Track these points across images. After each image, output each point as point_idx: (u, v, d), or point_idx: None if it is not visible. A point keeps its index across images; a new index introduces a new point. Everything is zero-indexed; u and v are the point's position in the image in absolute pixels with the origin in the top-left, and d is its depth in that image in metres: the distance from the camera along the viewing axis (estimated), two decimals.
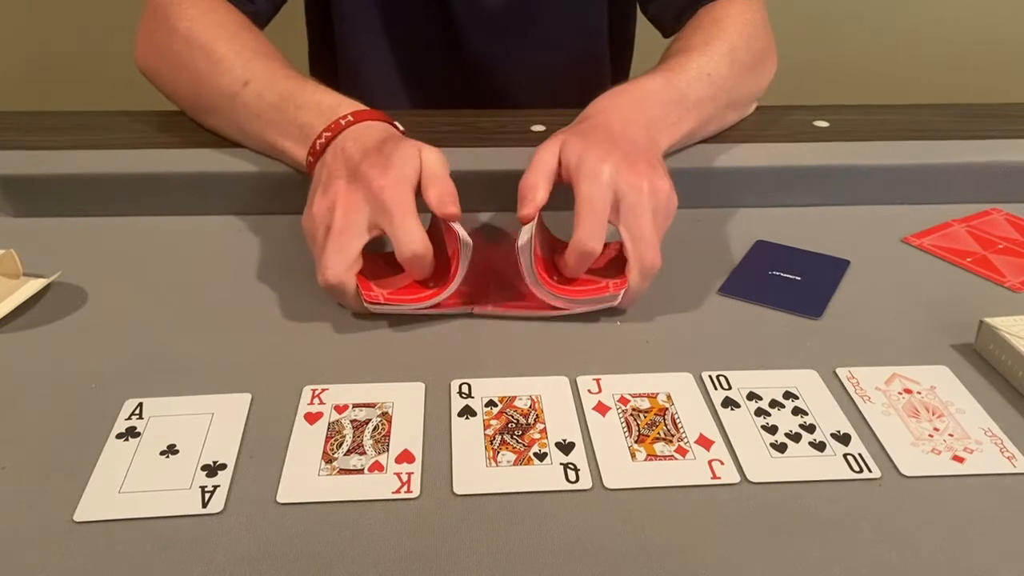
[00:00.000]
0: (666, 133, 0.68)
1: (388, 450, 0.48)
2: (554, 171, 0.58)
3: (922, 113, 0.86)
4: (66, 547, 0.42)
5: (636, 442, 0.49)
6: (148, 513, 0.44)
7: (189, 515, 0.44)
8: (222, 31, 0.75)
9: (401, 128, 0.66)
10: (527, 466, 0.47)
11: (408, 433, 0.49)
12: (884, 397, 0.53)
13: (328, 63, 1.00)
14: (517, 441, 0.49)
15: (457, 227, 0.56)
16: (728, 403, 0.52)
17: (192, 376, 0.54)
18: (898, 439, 0.49)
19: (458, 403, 0.52)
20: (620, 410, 0.51)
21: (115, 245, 0.69)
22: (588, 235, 0.55)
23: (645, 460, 0.48)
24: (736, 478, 0.47)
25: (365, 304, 0.57)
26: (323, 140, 0.63)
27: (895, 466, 0.48)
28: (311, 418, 0.50)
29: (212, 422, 0.50)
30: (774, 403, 0.52)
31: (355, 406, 0.51)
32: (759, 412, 0.51)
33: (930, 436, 0.50)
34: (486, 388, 0.53)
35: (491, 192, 0.70)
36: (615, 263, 0.58)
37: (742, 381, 0.54)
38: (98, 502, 0.44)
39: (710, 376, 0.54)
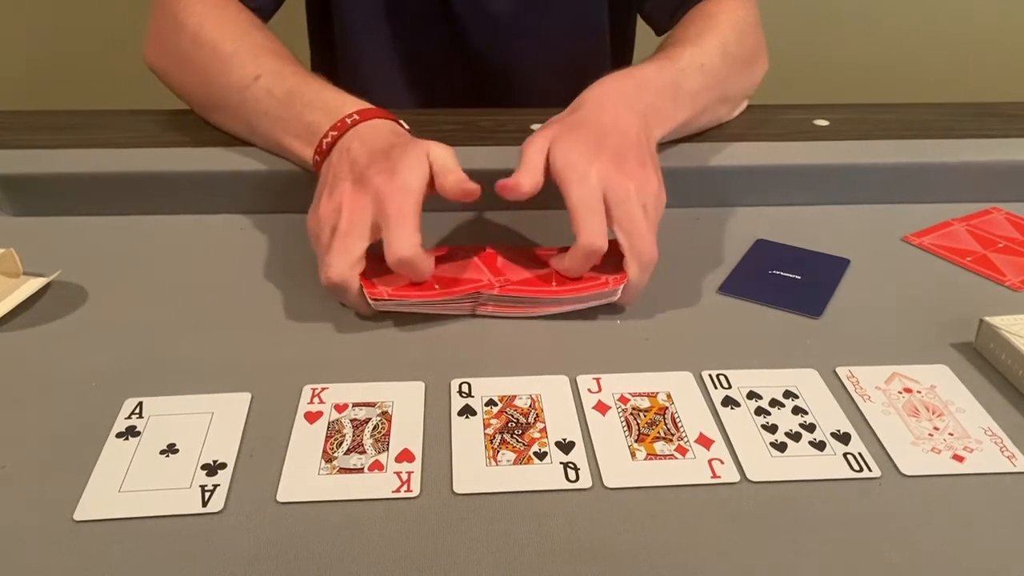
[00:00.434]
0: (660, 122, 0.68)
1: (388, 449, 0.48)
2: (541, 170, 0.58)
3: (922, 112, 0.86)
4: (66, 546, 0.42)
5: (636, 441, 0.49)
6: (148, 512, 0.44)
7: (189, 514, 0.44)
8: (231, 28, 0.75)
9: (407, 127, 0.66)
10: (527, 465, 0.47)
11: (408, 432, 0.49)
12: (884, 396, 0.53)
13: (328, 62, 1.00)
14: (517, 440, 0.49)
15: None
16: (728, 402, 0.52)
17: (192, 375, 0.54)
18: (898, 438, 0.49)
19: (458, 402, 0.52)
20: (620, 409, 0.51)
21: (115, 244, 0.69)
22: (592, 233, 0.55)
23: (645, 459, 0.48)
24: (736, 477, 0.47)
25: (370, 301, 0.57)
26: (329, 140, 0.63)
27: (895, 465, 0.48)
28: (311, 417, 0.50)
29: (212, 421, 0.50)
30: (774, 402, 0.52)
31: (355, 405, 0.51)
32: (759, 411, 0.51)
33: (930, 435, 0.50)
34: (486, 387, 0.53)
35: (492, 190, 0.69)
36: (611, 260, 0.58)
37: (742, 380, 0.54)
38: (98, 501, 0.44)
39: (710, 375, 0.54)
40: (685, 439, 0.49)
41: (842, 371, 0.55)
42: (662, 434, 0.50)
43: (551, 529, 0.43)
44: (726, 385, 0.53)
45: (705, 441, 0.49)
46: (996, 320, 0.56)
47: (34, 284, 0.61)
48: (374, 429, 0.50)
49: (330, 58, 0.98)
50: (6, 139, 0.77)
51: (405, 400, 0.52)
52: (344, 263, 0.55)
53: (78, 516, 0.44)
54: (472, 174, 0.58)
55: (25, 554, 0.42)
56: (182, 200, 0.73)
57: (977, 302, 0.62)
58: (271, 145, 0.73)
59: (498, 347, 0.57)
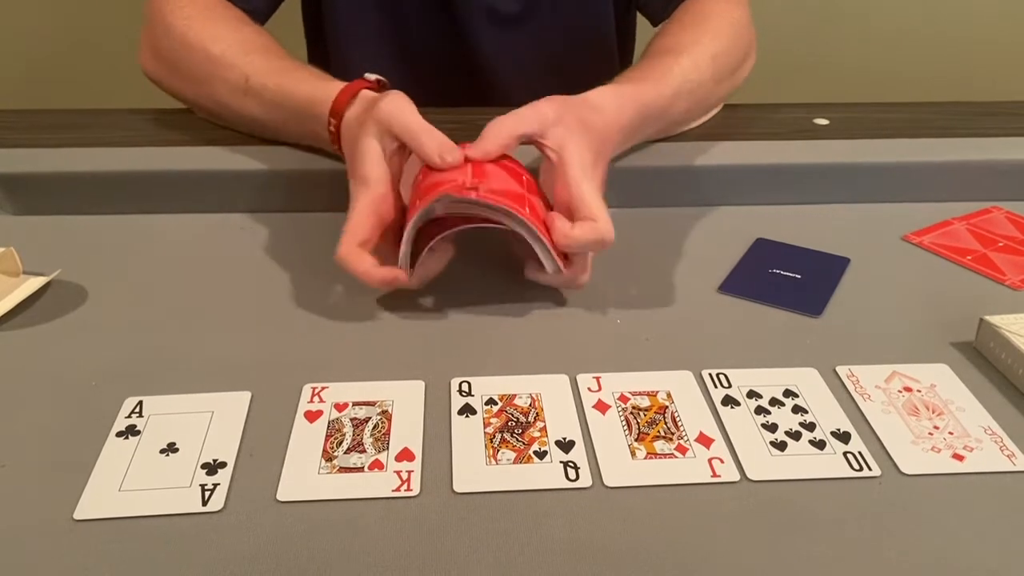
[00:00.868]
0: (631, 144, 0.72)
1: (388, 448, 0.48)
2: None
3: (922, 111, 0.86)
4: (66, 545, 0.42)
5: (636, 440, 0.49)
6: (148, 511, 0.44)
7: (189, 513, 0.44)
8: (219, 29, 0.76)
9: (373, 80, 0.67)
10: (527, 464, 0.47)
11: (408, 431, 0.49)
12: (884, 395, 0.53)
13: (323, 63, 1.00)
14: (517, 439, 0.49)
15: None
16: (728, 401, 0.52)
17: (192, 374, 0.54)
18: (898, 437, 0.49)
19: (458, 401, 0.52)
20: (620, 408, 0.51)
21: (115, 243, 0.69)
22: (610, 225, 0.57)
23: (645, 458, 0.48)
24: (736, 476, 0.47)
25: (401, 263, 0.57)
26: (336, 148, 0.67)
27: (895, 464, 0.48)
28: (311, 416, 0.50)
29: (212, 420, 0.50)
30: (774, 401, 0.52)
31: (355, 404, 0.51)
32: (759, 410, 0.51)
33: (930, 434, 0.50)
34: (486, 386, 0.53)
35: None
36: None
37: (742, 379, 0.54)
38: (98, 500, 0.44)
39: (710, 374, 0.54)
40: (685, 438, 0.49)
41: (842, 370, 0.55)
42: (662, 433, 0.50)
43: (551, 528, 0.43)
44: (726, 384, 0.53)
45: (705, 440, 0.49)
46: (996, 319, 0.56)
47: (34, 283, 0.61)
48: (374, 428, 0.50)
49: (324, 58, 0.98)
50: (6, 138, 0.77)
51: (405, 399, 0.52)
52: (341, 246, 0.57)
53: (78, 515, 0.44)
54: None
55: (25, 553, 0.42)
56: (182, 199, 0.73)
57: (977, 301, 0.62)
58: (284, 140, 0.75)
59: (498, 346, 0.57)
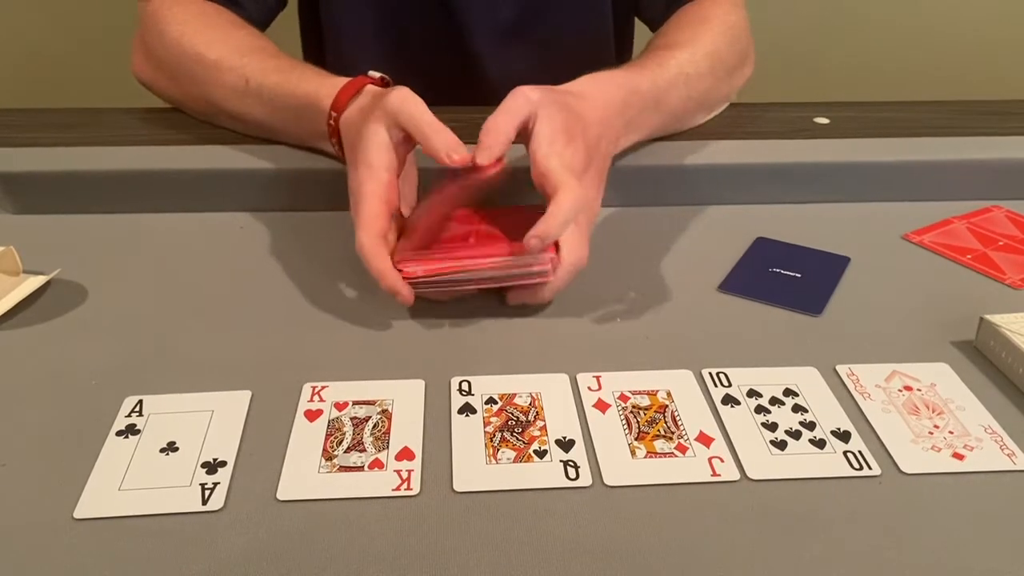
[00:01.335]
0: (633, 136, 0.71)
1: (388, 447, 0.48)
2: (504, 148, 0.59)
3: (922, 110, 0.86)
4: (66, 544, 0.42)
5: (636, 439, 0.49)
6: (148, 510, 0.44)
7: (189, 512, 0.44)
8: (213, 33, 0.76)
9: (377, 77, 0.67)
10: (527, 463, 0.47)
11: (408, 430, 0.49)
12: (884, 394, 0.53)
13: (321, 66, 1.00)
14: (517, 438, 0.49)
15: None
16: (728, 400, 0.52)
17: (192, 373, 0.54)
18: (898, 436, 0.49)
19: (458, 400, 0.52)
20: (620, 407, 0.51)
21: (115, 242, 0.69)
22: (581, 248, 0.58)
23: (645, 457, 0.48)
24: (736, 475, 0.47)
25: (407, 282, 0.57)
26: (333, 142, 0.67)
27: (895, 463, 0.48)
28: (311, 415, 0.50)
29: (212, 419, 0.50)
30: (774, 400, 0.52)
31: (355, 403, 0.51)
32: (759, 409, 0.51)
33: (930, 433, 0.50)
34: (486, 385, 0.53)
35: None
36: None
37: (742, 378, 0.54)
38: (98, 499, 0.44)
39: (710, 373, 0.54)
40: (685, 437, 0.49)
41: (842, 369, 0.55)
42: (662, 432, 0.50)
43: (551, 527, 0.43)
44: (726, 383, 0.53)
45: (705, 439, 0.49)
46: (996, 318, 0.56)
47: (34, 282, 0.61)
48: (374, 427, 0.50)
49: (320, 62, 0.98)
50: (6, 137, 0.77)
51: (405, 398, 0.52)
52: (364, 236, 0.56)
53: (78, 514, 0.44)
54: None
55: (25, 552, 0.42)
56: (182, 198, 0.73)
57: (977, 300, 0.62)
58: (283, 140, 0.75)
59: (498, 345, 0.57)
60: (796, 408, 0.51)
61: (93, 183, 0.72)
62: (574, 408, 0.51)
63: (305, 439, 0.49)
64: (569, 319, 0.60)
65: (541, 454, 0.48)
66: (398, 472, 0.46)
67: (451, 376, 0.54)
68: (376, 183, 0.57)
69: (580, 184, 0.56)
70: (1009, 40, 1.90)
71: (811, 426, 0.50)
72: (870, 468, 0.47)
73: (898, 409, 0.52)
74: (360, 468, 0.47)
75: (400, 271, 0.56)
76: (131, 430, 0.49)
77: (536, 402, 0.52)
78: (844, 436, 0.49)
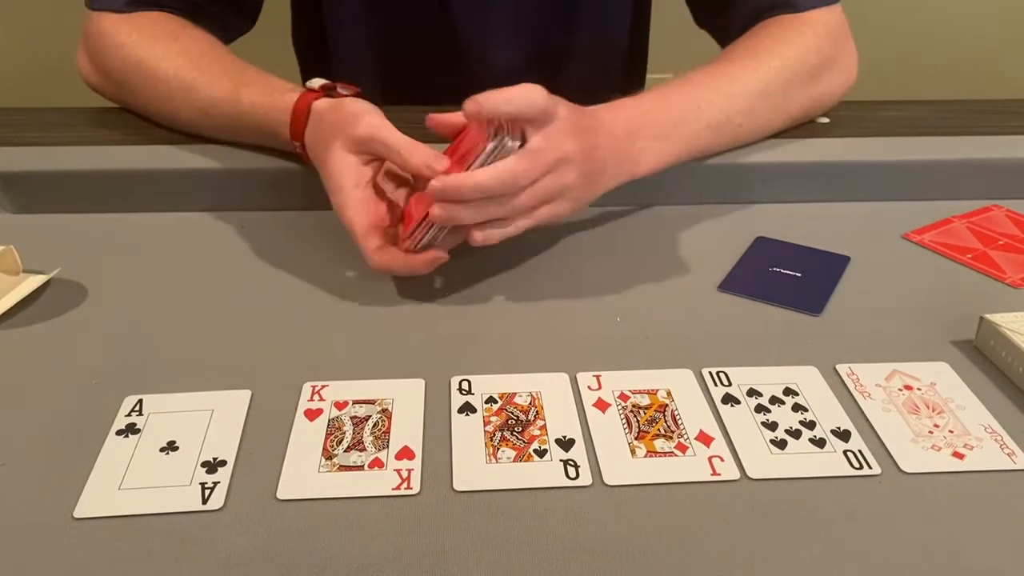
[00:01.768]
0: (666, 161, 0.67)
1: (388, 447, 0.48)
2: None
3: (923, 109, 0.85)
4: (66, 543, 0.42)
5: (636, 439, 0.49)
6: (148, 510, 0.44)
7: (189, 511, 0.44)
8: (163, 45, 0.75)
9: (318, 87, 0.66)
10: (527, 463, 0.47)
11: (408, 430, 0.49)
12: (884, 394, 0.53)
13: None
14: (517, 438, 0.49)
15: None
16: (728, 399, 0.52)
17: (192, 372, 0.54)
18: (898, 436, 0.49)
19: (458, 400, 0.52)
20: (620, 406, 0.51)
21: (115, 241, 0.69)
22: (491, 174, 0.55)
23: (645, 456, 0.48)
24: (736, 475, 0.47)
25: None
26: (300, 150, 0.68)
27: (895, 463, 0.48)
28: (311, 415, 0.50)
29: (212, 419, 0.50)
30: (774, 399, 0.52)
31: (355, 402, 0.51)
32: (759, 408, 0.51)
33: (930, 433, 0.50)
34: (486, 385, 0.53)
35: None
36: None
37: (742, 377, 0.54)
38: (98, 499, 0.44)
39: (710, 372, 0.54)
40: (685, 436, 0.49)
41: (842, 368, 0.55)
42: (662, 431, 0.50)
43: (551, 526, 0.43)
44: (726, 382, 0.53)
45: (705, 438, 0.49)
46: (996, 317, 0.56)
47: (34, 281, 0.61)
48: (374, 426, 0.50)
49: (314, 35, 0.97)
50: (6, 136, 0.77)
51: (405, 397, 0.52)
52: (373, 254, 0.58)
53: (78, 513, 0.44)
54: None
55: (25, 551, 0.42)
56: (182, 197, 0.73)
57: (977, 299, 0.62)
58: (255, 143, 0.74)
59: (498, 344, 0.57)
60: (796, 407, 0.51)
61: (93, 182, 0.71)
62: (574, 407, 0.51)
63: (305, 438, 0.49)
64: (569, 319, 0.60)
65: (541, 453, 0.48)
66: (398, 471, 0.46)
67: (451, 375, 0.54)
68: (353, 204, 0.59)
69: (557, 109, 0.55)
70: (1009, 40, 1.90)
71: (811, 425, 0.50)
72: (870, 467, 0.47)
73: (898, 408, 0.52)
74: (360, 467, 0.47)
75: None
76: (131, 429, 0.49)
77: (536, 401, 0.52)
78: (844, 435, 0.49)
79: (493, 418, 0.50)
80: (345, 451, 0.48)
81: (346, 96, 0.65)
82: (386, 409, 0.51)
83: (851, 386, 0.53)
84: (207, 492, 0.45)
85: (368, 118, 0.60)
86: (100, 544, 0.42)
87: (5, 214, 0.72)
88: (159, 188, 0.72)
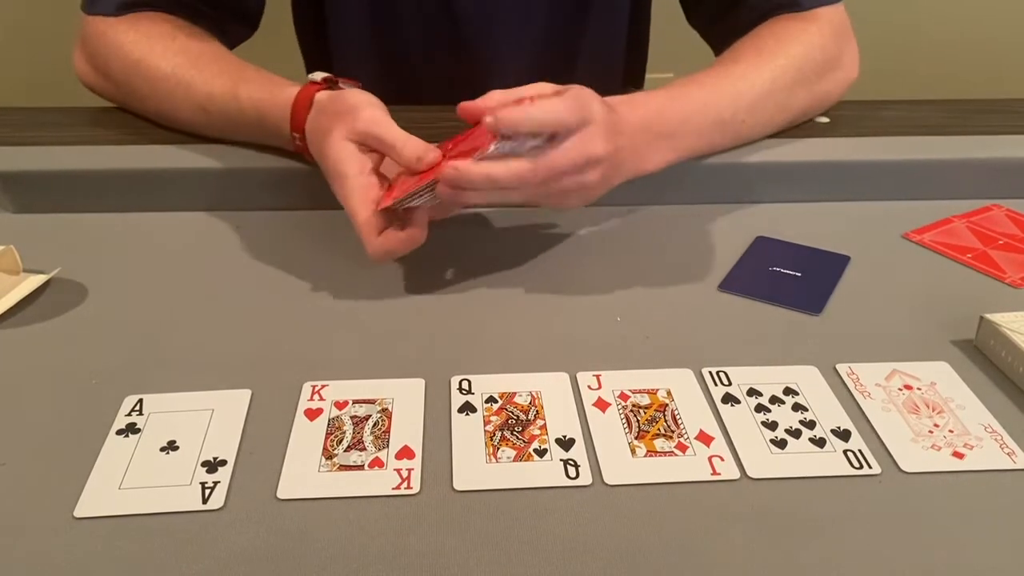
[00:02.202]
0: (671, 158, 0.68)
1: (388, 446, 0.48)
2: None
3: (923, 109, 0.85)
4: (66, 543, 0.42)
5: (636, 438, 0.49)
6: (148, 509, 0.44)
7: (189, 511, 0.44)
8: (162, 45, 0.75)
9: (320, 80, 0.67)
10: (527, 462, 0.47)
11: (408, 429, 0.49)
12: (884, 393, 0.53)
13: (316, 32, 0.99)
14: (517, 437, 0.49)
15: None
16: (728, 399, 0.52)
17: (192, 372, 0.54)
18: (898, 435, 0.49)
19: (458, 399, 0.52)
20: (620, 406, 0.51)
21: (115, 241, 0.69)
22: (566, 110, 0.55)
23: (645, 456, 0.48)
24: (736, 474, 0.47)
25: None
26: (308, 158, 0.68)
27: (895, 462, 0.48)
28: (311, 414, 0.50)
29: (212, 418, 0.50)
30: (774, 399, 0.52)
31: (355, 402, 0.51)
32: (759, 408, 0.51)
33: (930, 432, 0.50)
34: (486, 384, 0.53)
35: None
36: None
37: (742, 377, 0.54)
38: (98, 498, 0.44)
39: (710, 372, 0.54)
40: (685, 436, 0.49)
41: (842, 368, 0.55)
42: (662, 431, 0.50)
43: (551, 526, 0.43)
44: (726, 382, 0.53)
45: (705, 438, 0.49)
46: (996, 317, 0.56)
47: (34, 281, 0.61)
48: (374, 426, 0.50)
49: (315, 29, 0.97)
50: (7, 136, 0.77)
51: (405, 397, 0.52)
52: (374, 242, 0.58)
53: (78, 513, 0.44)
54: None
55: (26, 551, 0.42)
56: (182, 197, 0.73)
57: (977, 299, 0.62)
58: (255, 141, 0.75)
59: (498, 344, 0.57)
60: (796, 407, 0.51)
61: (93, 182, 0.71)
62: (574, 407, 0.51)
63: (305, 438, 0.49)
64: (569, 318, 0.60)
65: (541, 453, 0.48)
66: (398, 471, 0.46)
67: (451, 375, 0.54)
68: (356, 192, 0.58)
69: (575, 114, 0.55)
70: (1009, 39, 1.90)
71: (811, 425, 0.50)
72: (870, 467, 0.47)
73: (898, 408, 0.52)
74: (360, 467, 0.47)
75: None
76: (131, 429, 0.49)
77: (536, 401, 0.52)
78: (844, 435, 0.49)
79: (493, 418, 0.50)
80: (345, 451, 0.48)
81: (347, 89, 0.65)
82: (386, 409, 0.51)
83: (851, 386, 0.53)
84: (207, 492, 0.45)
85: (368, 111, 0.60)
86: (100, 544, 0.42)
87: (5, 214, 0.72)
88: (159, 188, 0.72)
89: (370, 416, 0.50)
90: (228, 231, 0.71)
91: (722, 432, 0.50)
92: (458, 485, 0.46)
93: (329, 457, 0.47)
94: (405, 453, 0.48)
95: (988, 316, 0.56)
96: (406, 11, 0.90)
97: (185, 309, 0.60)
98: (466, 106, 0.59)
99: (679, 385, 0.53)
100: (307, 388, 0.52)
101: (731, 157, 0.75)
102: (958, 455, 0.48)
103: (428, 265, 0.65)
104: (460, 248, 0.67)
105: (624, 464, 0.47)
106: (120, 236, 0.69)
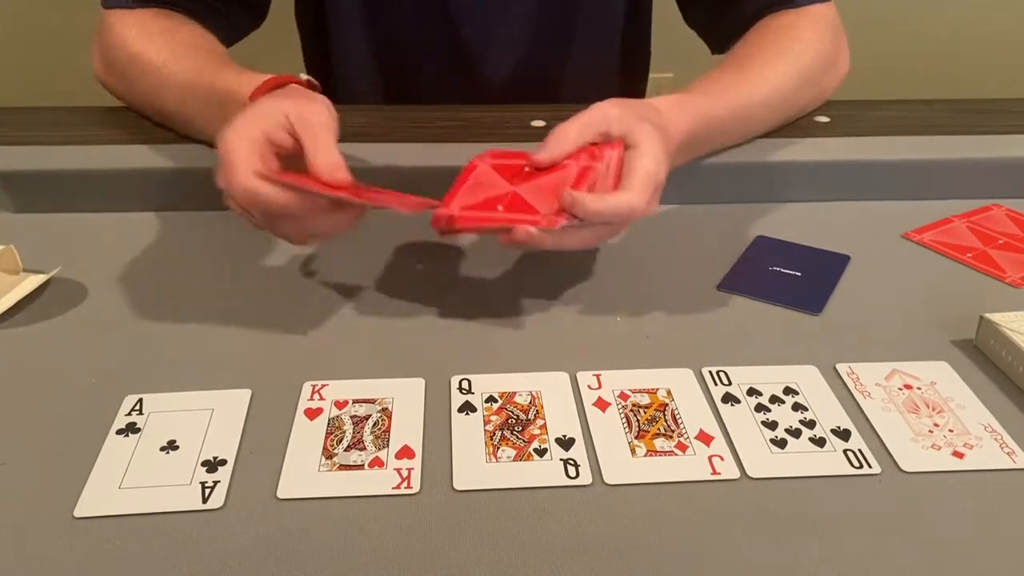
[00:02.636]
0: (690, 157, 0.70)
1: (388, 446, 0.48)
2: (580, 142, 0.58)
3: (922, 108, 0.85)
4: (66, 543, 0.42)
5: (636, 438, 0.49)
6: (148, 509, 0.44)
7: (189, 511, 0.44)
8: (160, 38, 0.75)
9: (304, 79, 0.65)
10: (527, 462, 0.47)
11: (408, 429, 0.49)
12: (884, 393, 0.53)
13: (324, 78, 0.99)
14: (517, 437, 0.49)
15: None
16: (728, 399, 0.52)
17: (192, 372, 0.54)
18: (898, 435, 0.49)
19: (458, 399, 0.52)
20: (620, 406, 0.51)
21: (115, 241, 0.69)
22: (639, 200, 0.55)
23: (645, 456, 0.48)
24: (736, 474, 0.47)
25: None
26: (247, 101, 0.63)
27: (895, 462, 0.48)
28: (311, 414, 0.50)
29: (212, 418, 0.50)
30: (774, 399, 0.52)
31: (355, 402, 0.51)
32: (759, 408, 0.51)
33: (930, 432, 0.50)
34: (486, 384, 0.53)
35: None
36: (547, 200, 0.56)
37: (742, 377, 0.54)
38: (98, 498, 0.44)
39: (710, 372, 0.54)
40: (685, 436, 0.49)
41: (842, 368, 0.55)
42: (662, 431, 0.50)
43: (551, 526, 0.43)
44: (726, 382, 0.53)
45: (705, 438, 0.49)
46: (996, 317, 0.56)
47: (34, 281, 0.61)
48: (374, 426, 0.50)
49: (327, 73, 0.98)
50: (7, 135, 0.76)
51: (405, 397, 0.52)
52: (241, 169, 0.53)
53: (78, 512, 0.44)
54: None
55: (25, 550, 0.42)
56: (182, 197, 0.72)
57: (977, 299, 0.62)
58: (202, 135, 0.73)
59: (498, 344, 0.57)
60: (796, 406, 0.51)
61: (94, 182, 0.71)
62: (574, 406, 0.51)
63: (305, 437, 0.49)
64: (569, 318, 0.60)
65: (541, 452, 0.48)
66: (398, 470, 0.46)
67: (451, 374, 0.54)
68: (244, 139, 0.54)
69: (645, 199, 0.55)
70: (1009, 39, 1.90)
71: (811, 424, 0.50)
72: (870, 466, 0.47)
73: (898, 407, 0.52)
74: (360, 466, 0.47)
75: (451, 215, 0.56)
76: (131, 428, 0.49)
77: (536, 400, 0.52)
78: (844, 434, 0.49)
79: (493, 417, 0.50)
80: (345, 450, 0.48)
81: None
82: (386, 408, 0.51)
83: (851, 385, 0.53)
84: (207, 491, 0.45)
85: (321, 109, 0.57)
86: (100, 544, 0.42)
87: (5, 213, 0.72)
88: (159, 187, 0.72)
89: (370, 416, 0.50)
90: (228, 231, 0.71)
91: (722, 432, 0.50)
92: (458, 485, 0.46)
93: (329, 457, 0.47)
94: (405, 453, 0.48)
95: (988, 316, 0.56)
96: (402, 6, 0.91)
97: (185, 309, 0.60)
98: (540, 159, 0.57)
99: (679, 385, 0.53)
100: (307, 388, 0.52)
101: (731, 157, 0.75)
102: (958, 455, 0.48)
103: (428, 265, 0.66)
104: (460, 248, 0.67)
105: (624, 464, 0.47)
106: (120, 236, 0.69)
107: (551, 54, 0.94)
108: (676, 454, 0.48)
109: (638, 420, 0.50)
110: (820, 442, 0.49)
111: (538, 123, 0.79)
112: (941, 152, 0.76)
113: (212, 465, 0.47)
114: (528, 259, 0.66)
